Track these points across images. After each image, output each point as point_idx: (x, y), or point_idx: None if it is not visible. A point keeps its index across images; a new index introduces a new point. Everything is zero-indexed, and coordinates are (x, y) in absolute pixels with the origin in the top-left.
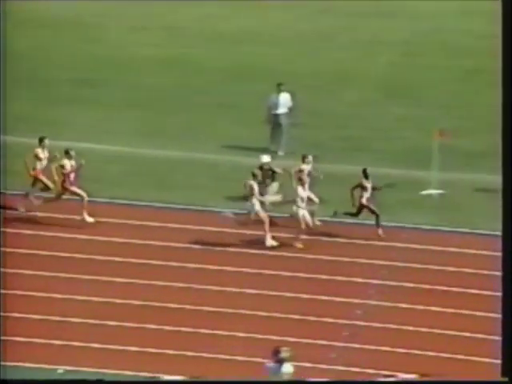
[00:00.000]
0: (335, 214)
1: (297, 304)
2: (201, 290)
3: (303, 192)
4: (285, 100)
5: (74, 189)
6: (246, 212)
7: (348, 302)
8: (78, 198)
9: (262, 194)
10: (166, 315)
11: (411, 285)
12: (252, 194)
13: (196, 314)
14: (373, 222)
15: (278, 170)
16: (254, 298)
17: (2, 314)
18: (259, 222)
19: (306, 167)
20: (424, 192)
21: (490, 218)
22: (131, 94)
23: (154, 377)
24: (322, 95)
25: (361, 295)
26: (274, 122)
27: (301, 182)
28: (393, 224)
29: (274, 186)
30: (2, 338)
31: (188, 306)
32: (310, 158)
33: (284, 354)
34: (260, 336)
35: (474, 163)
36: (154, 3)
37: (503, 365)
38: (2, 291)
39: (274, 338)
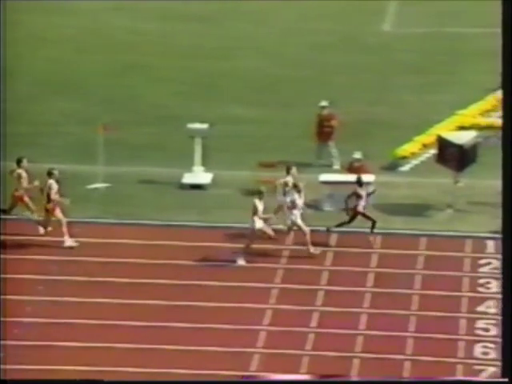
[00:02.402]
0: (328, 231)
1: None
2: None
3: (299, 200)
4: None
5: (57, 212)
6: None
7: (17, 300)
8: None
9: None
10: None
11: (82, 278)
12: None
13: None
14: None
15: None
16: None
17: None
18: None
19: (290, 179)
20: (91, 186)
21: (155, 208)
22: None
23: None
24: None
25: (30, 292)
26: None
27: (297, 189)
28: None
29: None
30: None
31: None
32: (294, 169)
33: None
34: None
35: (137, 156)
36: None
37: (503, 365)
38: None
39: None
